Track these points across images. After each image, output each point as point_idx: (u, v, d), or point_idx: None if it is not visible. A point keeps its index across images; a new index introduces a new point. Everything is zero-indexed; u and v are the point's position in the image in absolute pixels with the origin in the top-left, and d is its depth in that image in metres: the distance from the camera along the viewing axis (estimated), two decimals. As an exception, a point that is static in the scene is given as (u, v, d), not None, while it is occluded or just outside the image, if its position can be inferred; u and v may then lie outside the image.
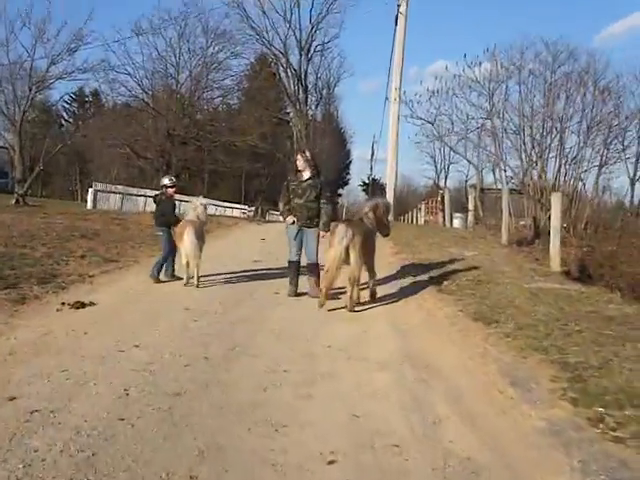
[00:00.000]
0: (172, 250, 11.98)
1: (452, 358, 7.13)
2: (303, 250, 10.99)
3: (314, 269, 10.79)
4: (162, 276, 11.87)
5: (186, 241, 11.11)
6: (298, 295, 10.90)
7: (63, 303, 9.24)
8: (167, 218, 12.22)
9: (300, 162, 10.76)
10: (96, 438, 4.75)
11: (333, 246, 9.47)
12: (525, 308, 9.04)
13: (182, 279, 11.65)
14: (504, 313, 8.72)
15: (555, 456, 4.55)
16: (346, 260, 9.42)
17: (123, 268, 12.50)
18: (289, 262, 11.02)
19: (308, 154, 10.95)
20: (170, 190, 12.42)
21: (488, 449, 4.73)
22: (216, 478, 4.18)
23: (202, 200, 12.41)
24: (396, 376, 6.47)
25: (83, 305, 9.12)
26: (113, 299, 9.75)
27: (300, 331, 8.28)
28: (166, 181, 12.51)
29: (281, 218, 11.68)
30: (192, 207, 12.20)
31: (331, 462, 4.45)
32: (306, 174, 10.73)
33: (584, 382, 5.78)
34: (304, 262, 11.07)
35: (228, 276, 12.56)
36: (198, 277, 11.40)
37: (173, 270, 12.11)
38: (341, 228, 9.52)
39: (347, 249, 9.33)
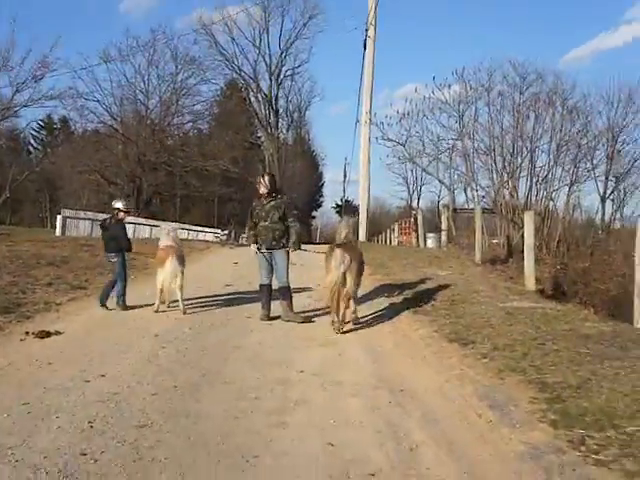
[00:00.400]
0: (125, 277, 11.54)
1: (428, 381, 6.95)
2: (274, 272, 10.77)
3: (286, 292, 10.59)
4: (112, 304, 11.26)
5: (169, 267, 10.81)
6: (271, 319, 10.55)
7: (27, 332, 8.99)
8: (119, 242, 11.53)
9: (261, 186, 10.68)
10: (55, 476, 4.51)
11: (331, 271, 9.52)
12: (501, 328, 8.94)
13: (132, 308, 11.28)
14: (480, 333, 8.61)
15: (540, 480, 4.36)
16: (343, 283, 9.42)
17: (91, 295, 12.17)
18: (260, 286, 10.81)
19: (267, 177, 10.84)
20: (121, 214, 11.72)
21: (467, 476, 4.54)
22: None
23: (172, 225, 12.22)
24: (371, 401, 6.26)
25: (48, 334, 8.86)
26: (80, 327, 9.50)
27: (273, 356, 8.04)
28: (119, 205, 11.76)
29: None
30: (164, 232, 11.94)
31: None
32: (269, 197, 10.63)
33: (563, 403, 5.68)
34: (275, 285, 10.78)
35: (200, 301, 12.22)
36: (183, 302, 11.04)
37: (124, 299, 11.36)
38: (339, 253, 9.54)
39: (344, 274, 9.39)
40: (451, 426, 5.55)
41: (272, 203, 10.56)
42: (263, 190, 10.60)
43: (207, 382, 6.81)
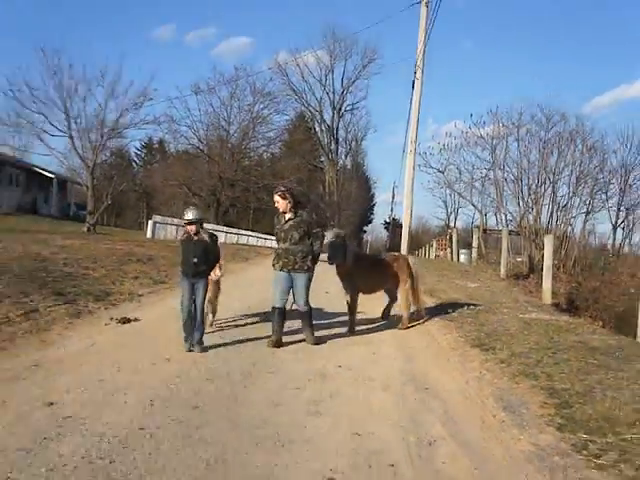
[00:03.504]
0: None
1: (451, 381, 6.76)
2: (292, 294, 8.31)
3: (305, 316, 8.31)
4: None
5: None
6: (280, 345, 8.02)
7: (111, 318, 9.06)
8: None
9: (279, 202, 8.14)
10: (116, 446, 4.47)
11: (406, 281, 9.70)
12: (519, 336, 8.72)
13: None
14: (500, 340, 8.40)
15: (542, 482, 4.18)
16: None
17: (169, 289, 12.20)
18: (273, 309, 8.22)
19: (284, 191, 8.22)
20: (189, 227, 7.61)
21: (478, 472, 4.35)
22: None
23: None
24: (398, 397, 6.08)
25: (128, 320, 8.91)
26: (155, 316, 9.49)
27: (314, 351, 7.93)
28: (189, 214, 7.52)
29: None
30: None
31: (328, 480, 4.06)
32: (288, 214, 8.16)
33: (570, 408, 5.49)
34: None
35: (260, 298, 12.05)
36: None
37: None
38: (410, 260, 10.18)
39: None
40: (468, 424, 5.35)
41: (291, 222, 8.11)
42: (282, 205, 8.13)
43: (256, 371, 6.70)
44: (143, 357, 6.93)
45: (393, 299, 10.20)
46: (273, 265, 8.30)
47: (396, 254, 10.98)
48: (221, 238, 33.17)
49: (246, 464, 4.25)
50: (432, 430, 5.13)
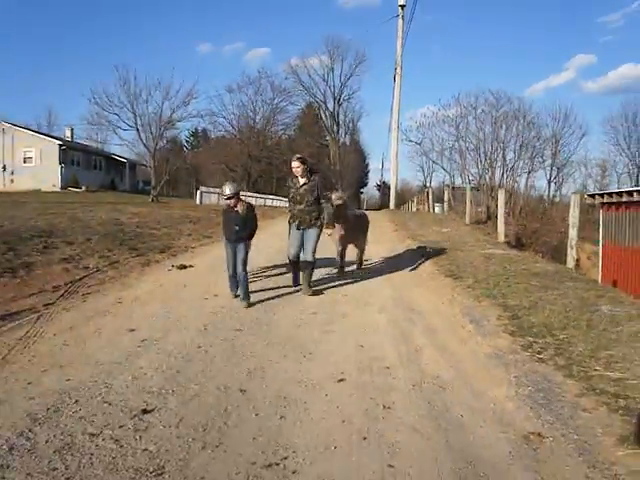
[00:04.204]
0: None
1: (430, 303, 6.71)
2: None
3: (309, 266, 7.37)
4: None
5: None
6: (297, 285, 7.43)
7: (173, 265, 9.06)
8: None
9: (298, 167, 7.27)
10: (181, 360, 4.52)
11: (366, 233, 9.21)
12: (480, 267, 8.69)
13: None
14: (466, 271, 8.37)
15: (498, 373, 4.26)
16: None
17: (214, 242, 12.15)
18: (289, 260, 7.57)
19: (297, 161, 7.27)
20: (229, 201, 6.71)
21: (452, 369, 4.39)
22: (258, 391, 3.88)
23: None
24: (390, 317, 6.07)
25: (185, 267, 8.91)
26: (205, 263, 9.49)
27: (327, 285, 7.83)
28: (226, 191, 6.63)
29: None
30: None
31: (340, 380, 4.12)
32: (302, 180, 7.33)
33: (519, 319, 5.56)
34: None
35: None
36: None
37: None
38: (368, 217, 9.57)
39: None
40: (444, 335, 5.36)
41: (306, 187, 7.28)
42: (298, 171, 7.24)
43: (283, 302, 6.71)
44: (197, 294, 6.95)
45: (362, 250, 9.33)
46: (289, 222, 7.45)
47: (359, 212, 10.24)
48: (251, 202, 33.17)
49: (278, 370, 4.30)
50: (417, 341, 5.14)
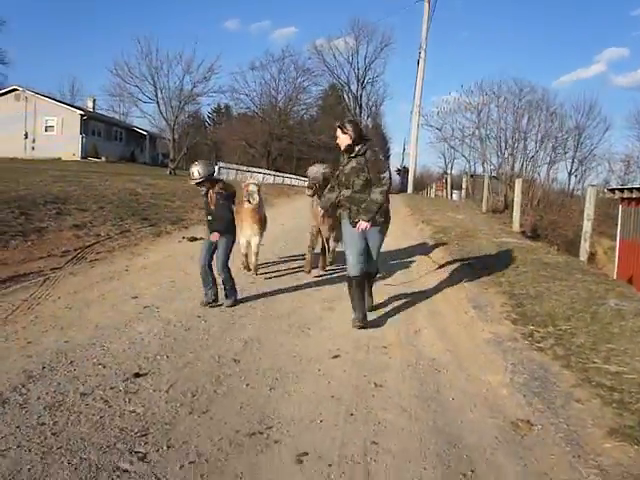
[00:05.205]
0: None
1: (436, 287, 6.65)
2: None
3: (372, 279, 5.49)
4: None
5: (246, 233, 6.46)
6: (365, 326, 4.85)
7: (183, 237, 9.15)
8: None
9: (339, 138, 4.86)
10: (179, 328, 4.58)
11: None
12: (491, 255, 8.53)
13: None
14: (476, 257, 8.24)
15: (495, 360, 4.21)
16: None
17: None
18: (349, 279, 5.04)
19: (344, 123, 4.82)
20: (199, 187, 5.31)
21: (449, 353, 4.36)
22: (252, 362, 3.91)
23: (255, 179, 6.14)
24: (393, 299, 5.98)
25: (195, 239, 8.95)
26: (216, 236, 9.50)
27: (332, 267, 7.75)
28: (194, 173, 5.14)
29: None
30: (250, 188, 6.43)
31: (335, 356, 4.13)
32: (348, 154, 4.90)
33: (523, 307, 5.47)
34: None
35: (297, 222, 11.99)
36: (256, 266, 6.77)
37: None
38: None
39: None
40: (446, 318, 5.33)
41: (352, 164, 4.86)
42: (344, 141, 4.82)
43: (287, 278, 6.72)
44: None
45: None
46: (339, 215, 5.20)
47: None
48: (269, 180, 33.18)
49: (274, 343, 4.33)
50: (418, 323, 5.12)
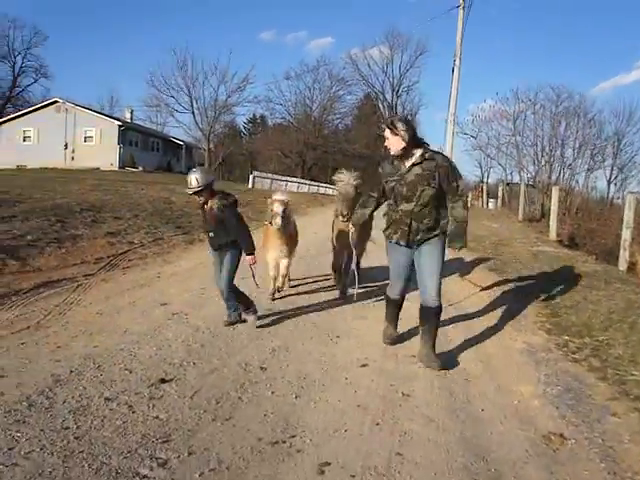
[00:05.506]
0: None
1: (469, 296, 6.52)
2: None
3: (432, 316, 4.23)
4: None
5: (273, 254, 5.75)
6: (394, 342, 4.61)
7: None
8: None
9: (388, 140, 4.03)
10: (207, 334, 4.59)
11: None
12: (526, 264, 8.40)
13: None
14: (511, 267, 8.12)
15: (528, 370, 4.11)
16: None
17: (259, 226, 12.24)
18: (387, 297, 4.60)
19: (394, 122, 4.01)
20: (196, 197, 4.74)
21: (481, 362, 4.26)
22: (278, 369, 3.87)
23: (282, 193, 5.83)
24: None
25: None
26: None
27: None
28: (192, 182, 4.57)
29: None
30: (277, 203, 5.51)
31: (363, 365, 4.07)
32: (409, 160, 4.04)
33: (559, 317, 5.39)
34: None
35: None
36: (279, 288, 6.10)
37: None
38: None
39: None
40: (478, 327, 5.18)
41: (417, 170, 4.00)
42: (395, 144, 3.99)
43: (317, 287, 6.68)
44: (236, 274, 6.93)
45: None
46: (387, 235, 4.27)
47: None
48: (304, 189, 33.28)
49: (301, 351, 4.29)
50: (450, 333, 5.00)
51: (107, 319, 4.89)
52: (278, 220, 5.40)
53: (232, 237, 4.70)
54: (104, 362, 3.81)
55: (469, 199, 35.91)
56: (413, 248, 4.17)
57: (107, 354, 3.97)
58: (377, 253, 6.63)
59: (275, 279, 5.87)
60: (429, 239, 4.12)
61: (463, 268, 8.29)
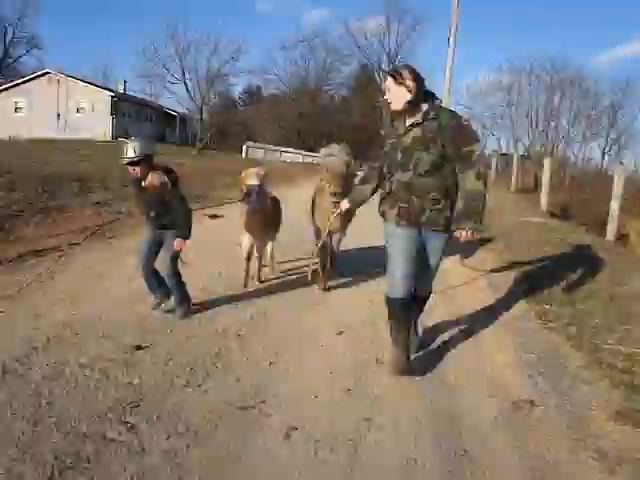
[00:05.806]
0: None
1: (454, 264, 6.46)
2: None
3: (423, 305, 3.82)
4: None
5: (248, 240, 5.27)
6: (403, 373, 3.41)
7: (205, 215, 9.15)
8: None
9: (389, 91, 3.16)
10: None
11: None
12: (515, 234, 8.46)
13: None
14: (501, 235, 8.20)
15: (504, 338, 4.14)
16: None
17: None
18: (389, 300, 3.37)
19: (405, 71, 3.12)
20: (132, 169, 3.97)
21: (459, 330, 4.27)
22: (254, 336, 3.90)
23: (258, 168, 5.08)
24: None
25: (216, 216, 9.05)
26: (235, 213, 9.41)
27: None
28: (128, 151, 3.89)
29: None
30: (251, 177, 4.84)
31: (340, 333, 4.10)
32: (410, 118, 3.15)
33: (541, 286, 5.35)
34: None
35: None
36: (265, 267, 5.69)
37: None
38: None
39: None
40: (464, 299, 5.16)
41: (416, 132, 3.11)
42: (394, 102, 3.16)
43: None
44: (226, 240, 6.78)
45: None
46: (383, 213, 3.38)
47: None
48: (299, 159, 33.02)
49: (279, 319, 4.32)
50: (430, 300, 4.97)
51: (88, 287, 4.88)
52: (253, 197, 4.68)
53: (173, 220, 4.10)
54: (82, 329, 3.81)
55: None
56: (419, 231, 3.27)
57: (85, 321, 3.97)
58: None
59: (249, 260, 5.20)
60: (438, 231, 3.28)
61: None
